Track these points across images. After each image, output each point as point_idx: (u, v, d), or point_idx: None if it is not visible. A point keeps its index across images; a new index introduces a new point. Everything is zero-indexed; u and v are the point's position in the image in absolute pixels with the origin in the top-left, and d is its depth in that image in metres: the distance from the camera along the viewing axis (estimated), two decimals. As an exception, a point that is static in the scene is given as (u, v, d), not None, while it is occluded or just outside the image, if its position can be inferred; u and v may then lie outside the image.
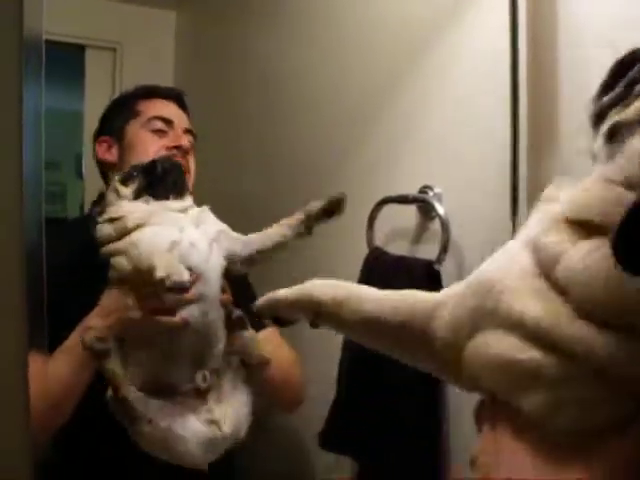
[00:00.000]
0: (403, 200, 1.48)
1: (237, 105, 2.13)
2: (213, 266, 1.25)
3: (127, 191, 1.28)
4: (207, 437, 1.23)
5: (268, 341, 1.38)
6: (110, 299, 1.21)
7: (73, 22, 2.14)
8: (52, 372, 1.15)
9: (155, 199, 1.27)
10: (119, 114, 1.49)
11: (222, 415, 1.25)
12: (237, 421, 1.27)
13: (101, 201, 1.32)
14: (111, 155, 1.47)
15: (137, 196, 1.27)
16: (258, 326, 1.35)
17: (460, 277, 1.35)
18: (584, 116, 1.18)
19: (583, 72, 1.22)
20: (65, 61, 2.29)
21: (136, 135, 1.45)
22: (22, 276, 0.94)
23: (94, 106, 2.34)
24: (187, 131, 1.50)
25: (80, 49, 2.31)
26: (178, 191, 1.29)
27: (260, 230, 1.34)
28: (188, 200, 1.31)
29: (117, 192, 1.29)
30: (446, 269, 1.37)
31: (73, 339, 1.19)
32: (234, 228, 1.34)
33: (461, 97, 1.41)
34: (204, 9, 2.33)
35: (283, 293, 0.93)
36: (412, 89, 1.51)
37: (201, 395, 1.25)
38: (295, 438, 1.82)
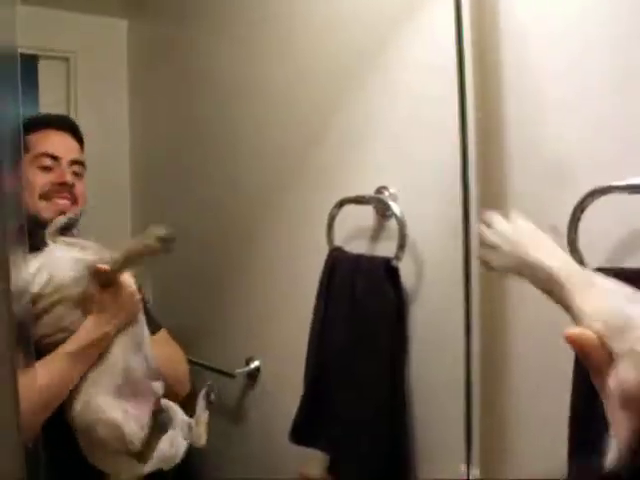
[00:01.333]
0: (360, 201, 1.53)
1: (191, 111, 2.16)
2: None
3: None
4: None
5: (159, 342, 1.57)
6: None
7: (25, 32, 2.13)
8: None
9: None
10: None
11: None
12: None
13: None
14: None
15: None
16: (153, 329, 1.54)
17: (417, 272, 1.44)
18: (530, 115, 1.26)
19: (528, 71, 1.29)
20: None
21: (27, 171, 1.56)
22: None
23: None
24: (74, 163, 1.63)
25: (33, 59, 2.32)
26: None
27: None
28: None
29: None
30: (404, 265, 1.43)
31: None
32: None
33: (413, 100, 1.46)
34: (155, 17, 2.35)
35: None
36: (366, 92, 1.56)
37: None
38: (269, 432, 1.87)
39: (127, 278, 1.42)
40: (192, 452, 1.53)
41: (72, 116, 2.25)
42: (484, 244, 0.86)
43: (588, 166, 1.18)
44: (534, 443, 1.29)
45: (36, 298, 1.30)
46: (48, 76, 2.35)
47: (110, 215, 2.25)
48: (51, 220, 1.48)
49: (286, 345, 1.81)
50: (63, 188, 1.59)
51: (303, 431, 1.58)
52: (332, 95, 1.65)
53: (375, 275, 1.44)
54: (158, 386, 1.43)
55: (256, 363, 1.93)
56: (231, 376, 1.87)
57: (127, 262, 1.37)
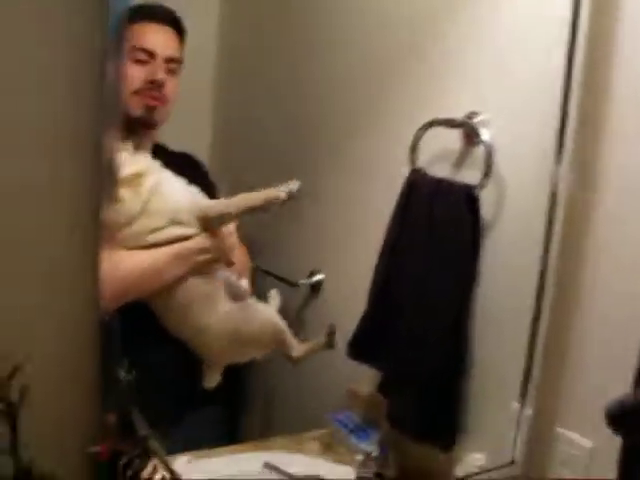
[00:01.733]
0: (449, 123, 1.49)
1: (284, 21, 2.12)
2: None
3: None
4: None
5: None
6: None
7: None
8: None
9: None
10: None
11: None
12: None
13: None
14: None
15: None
16: None
17: (500, 205, 1.40)
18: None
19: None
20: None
21: (126, 61, 1.52)
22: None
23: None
24: (170, 60, 1.59)
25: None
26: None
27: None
28: None
29: None
30: (486, 195, 1.40)
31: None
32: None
33: (515, 24, 1.39)
34: None
35: None
36: (465, 13, 1.49)
37: None
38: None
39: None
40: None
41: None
42: None
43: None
44: (593, 392, 1.27)
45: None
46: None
47: (190, 114, 2.23)
48: (139, 117, 1.53)
49: (352, 262, 1.81)
50: (154, 86, 1.56)
51: (361, 347, 1.59)
52: (432, 16, 1.58)
53: (455, 202, 1.41)
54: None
55: (320, 276, 1.93)
56: (294, 285, 1.87)
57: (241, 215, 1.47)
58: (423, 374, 1.44)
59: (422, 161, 1.54)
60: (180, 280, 1.43)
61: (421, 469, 1.52)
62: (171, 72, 1.59)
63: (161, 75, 1.57)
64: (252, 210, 1.45)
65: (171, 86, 1.59)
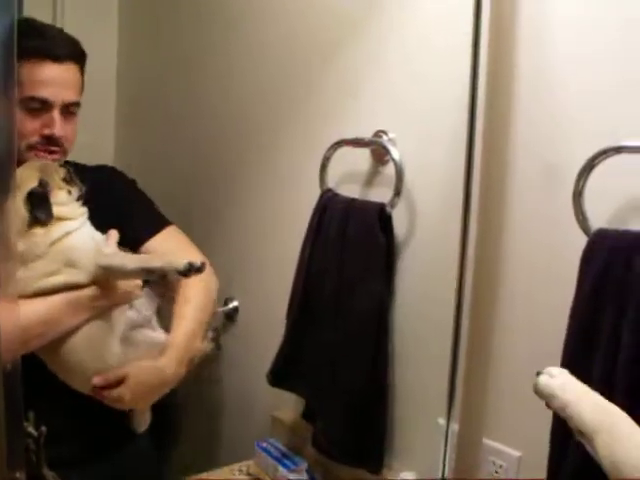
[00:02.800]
0: (358, 142, 1.49)
1: (181, 43, 2.09)
2: None
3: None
4: None
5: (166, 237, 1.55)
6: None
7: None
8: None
9: None
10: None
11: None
12: None
13: None
14: None
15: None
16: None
17: (412, 221, 1.41)
18: (542, 68, 1.22)
19: (544, 23, 1.24)
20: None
21: (17, 109, 1.35)
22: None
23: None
24: (67, 105, 1.42)
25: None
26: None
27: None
28: None
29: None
30: (398, 213, 1.40)
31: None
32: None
33: (420, 42, 1.40)
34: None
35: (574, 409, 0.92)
36: (370, 31, 1.50)
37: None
38: (245, 374, 1.86)
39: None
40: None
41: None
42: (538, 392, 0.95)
43: (600, 124, 1.14)
44: (518, 402, 1.28)
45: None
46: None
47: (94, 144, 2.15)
48: None
49: (267, 287, 1.79)
50: (52, 140, 1.40)
51: (281, 373, 1.56)
52: (337, 35, 1.58)
53: (368, 221, 1.41)
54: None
55: (235, 303, 1.90)
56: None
57: (144, 275, 1.34)
58: (345, 397, 1.43)
59: (333, 181, 1.54)
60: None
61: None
62: (70, 115, 1.44)
63: (59, 128, 1.40)
64: (148, 273, 1.31)
65: (70, 130, 1.44)
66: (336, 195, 1.50)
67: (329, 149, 1.51)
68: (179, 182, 2.04)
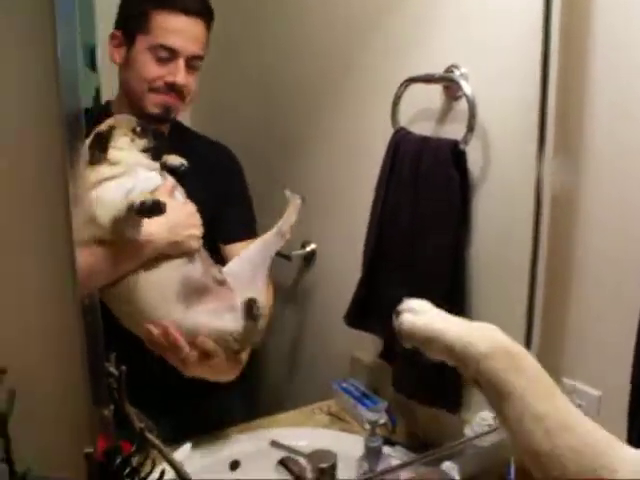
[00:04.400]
0: (429, 79, 1.45)
1: None
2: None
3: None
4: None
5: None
6: None
7: None
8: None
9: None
10: (133, 18, 1.47)
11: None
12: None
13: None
14: (118, 56, 1.48)
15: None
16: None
17: (486, 158, 1.37)
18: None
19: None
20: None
21: (141, 54, 1.44)
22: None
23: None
24: (192, 58, 1.48)
25: None
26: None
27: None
28: None
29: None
30: (472, 149, 1.36)
31: None
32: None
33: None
34: None
35: (450, 336, 0.82)
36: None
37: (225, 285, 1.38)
38: (324, 315, 1.87)
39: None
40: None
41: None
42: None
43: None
44: (597, 341, 1.25)
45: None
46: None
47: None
48: (154, 114, 1.46)
49: (343, 229, 1.78)
50: (173, 88, 1.46)
51: (358, 314, 1.57)
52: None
53: (441, 158, 1.38)
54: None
55: (312, 246, 1.91)
56: (287, 258, 1.85)
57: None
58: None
59: (405, 119, 1.50)
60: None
61: (431, 432, 1.51)
62: (192, 69, 1.49)
63: (182, 77, 1.46)
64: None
65: (191, 84, 1.50)
66: (409, 133, 1.47)
67: (400, 87, 1.47)
68: (254, 126, 2.04)
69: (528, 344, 1.33)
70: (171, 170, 1.39)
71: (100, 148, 1.30)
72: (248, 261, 1.47)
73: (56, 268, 0.99)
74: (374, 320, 1.53)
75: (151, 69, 1.45)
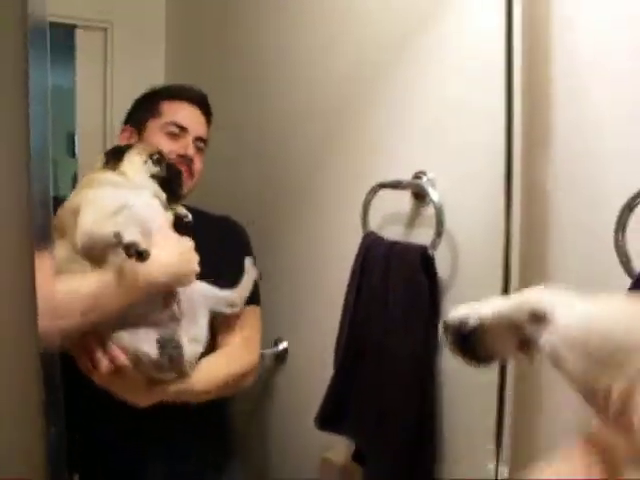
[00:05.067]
0: (397, 185, 1.49)
1: (232, 84, 2.13)
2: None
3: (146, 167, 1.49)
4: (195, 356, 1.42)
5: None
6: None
7: (64, 2, 2.13)
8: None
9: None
10: (144, 110, 1.64)
11: (197, 336, 1.45)
12: (197, 335, 1.46)
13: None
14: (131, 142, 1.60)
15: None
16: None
17: (454, 262, 1.40)
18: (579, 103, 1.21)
19: (576, 58, 1.24)
20: (56, 39, 2.29)
21: (153, 134, 1.61)
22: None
23: (85, 85, 2.34)
24: (199, 139, 1.66)
25: (71, 28, 2.31)
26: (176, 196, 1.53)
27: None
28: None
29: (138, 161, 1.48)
30: (440, 254, 1.39)
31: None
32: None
33: (456, 84, 1.41)
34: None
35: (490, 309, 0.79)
36: (406, 75, 1.51)
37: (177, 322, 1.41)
38: (295, 416, 1.86)
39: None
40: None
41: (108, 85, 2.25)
42: None
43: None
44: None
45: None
46: (86, 45, 2.35)
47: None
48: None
49: (315, 328, 1.79)
50: (184, 160, 1.61)
51: (329, 417, 1.55)
52: (372, 79, 1.60)
53: (410, 263, 1.40)
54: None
55: (284, 344, 1.91)
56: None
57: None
58: (393, 442, 1.41)
59: (374, 223, 1.54)
60: None
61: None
62: (199, 150, 1.66)
63: (191, 151, 1.62)
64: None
65: (198, 163, 1.65)
66: (378, 238, 1.50)
67: (369, 192, 1.51)
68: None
69: (498, 448, 1.33)
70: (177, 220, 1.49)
71: (114, 157, 1.46)
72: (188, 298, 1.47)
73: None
74: (346, 422, 1.53)
75: (164, 143, 1.59)
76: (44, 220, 1.01)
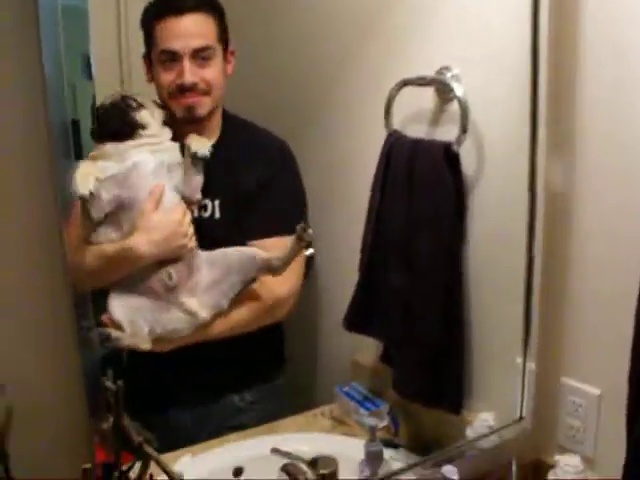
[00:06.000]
0: (421, 82, 1.45)
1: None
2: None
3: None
4: (190, 324, 1.42)
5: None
6: None
7: None
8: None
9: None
10: (146, 38, 1.53)
11: (196, 305, 1.43)
12: (215, 303, 1.45)
13: None
14: (149, 76, 1.54)
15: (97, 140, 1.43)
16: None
17: (479, 158, 1.37)
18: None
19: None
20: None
21: (155, 67, 1.51)
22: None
23: (98, 2, 2.27)
24: (198, 51, 1.49)
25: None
26: (122, 134, 1.43)
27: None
28: (147, 137, 1.45)
29: None
30: (465, 150, 1.36)
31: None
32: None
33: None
34: None
35: None
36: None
37: (172, 290, 1.41)
38: (323, 320, 1.88)
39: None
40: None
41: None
42: None
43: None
44: (595, 339, 1.25)
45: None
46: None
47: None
48: (181, 117, 1.50)
49: (340, 231, 1.78)
50: (184, 88, 1.49)
51: (356, 318, 1.56)
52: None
53: (434, 160, 1.38)
54: None
55: (310, 251, 1.90)
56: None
57: None
58: (422, 340, 1.42)
59: (398, 122, 1.50)
60: None
61: (434, 434, 1.51)
62: (205, 61, 1.51)
63: (188, 77, 1.48)
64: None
65: (210, 75, 1.52)
66: (402, 137, 1.47)
67: (392, 90, 1.47)
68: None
69: (526, 345, 1.33)
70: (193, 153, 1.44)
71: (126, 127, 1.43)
72: (226, 264, 1.47)
73: (49, 279, 1.00)
74: (373, 323, 1.54)
75: (162, 76, 1.50)
76: (65, 144, 1.00)
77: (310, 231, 1.48)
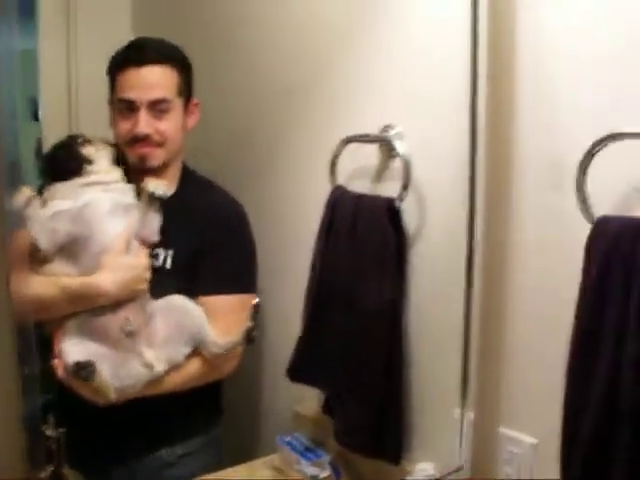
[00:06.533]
0: (364, 139, 1.50)
1: (195, 45, 2.10)
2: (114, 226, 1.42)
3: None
4: (146, 378, 1.41)
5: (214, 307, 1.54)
6: None
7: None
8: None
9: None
10: (110, 86, 1.56)
11: (153, 358, 1.42)
12: (171, 357, 1.45)
13: None
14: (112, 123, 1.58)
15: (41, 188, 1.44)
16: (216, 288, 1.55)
17: (421, 214, 1.42)
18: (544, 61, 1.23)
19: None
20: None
21: (114, 115, 1.56)
22: None
23: (48, 46, 2.27)
24: (156, 102, 1.52)
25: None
26: (69, 173, 1.44)
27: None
28: (94, 174, 1.45)
29: None
30: (407, 206, 1.41)
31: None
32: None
33: (421, 36, 1.41)
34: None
35: None
36: (373, 29, 1.51)
37: (132, 336, 1.41)
38: (266, 369, 1.89)
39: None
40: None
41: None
42: None
43: (601, 112, 1.15)
44: (532, 389, 1.29)
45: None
46: (49, 5, 2.28)
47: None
48: (135, 165, 1.53)
49: (285, 282, 1.80)
50: (138, 138, 1.52)
51: (300, 368, 1.58)
52: (339, 34, 1.60)
53: (377, 215, 1.42)
54: None
55: (256, 300, 1.91)
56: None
57: None
58: (363, 390, 1.44)
59: (343, 177, 1.55)
60: None
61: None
62: (162, 113, 1.54)
63: (142, 128, 1.50)
64: None
65: (165, 127, 1.54)
66: (346, 192, 1.51)
67: (338, 146, 1.52)
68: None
69: (464, 396, 1.36)
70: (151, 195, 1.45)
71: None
72: (180, 323, 1.48)
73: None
74: (316, 373, 1.55)
75: (119, 124, 1.53)
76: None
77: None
